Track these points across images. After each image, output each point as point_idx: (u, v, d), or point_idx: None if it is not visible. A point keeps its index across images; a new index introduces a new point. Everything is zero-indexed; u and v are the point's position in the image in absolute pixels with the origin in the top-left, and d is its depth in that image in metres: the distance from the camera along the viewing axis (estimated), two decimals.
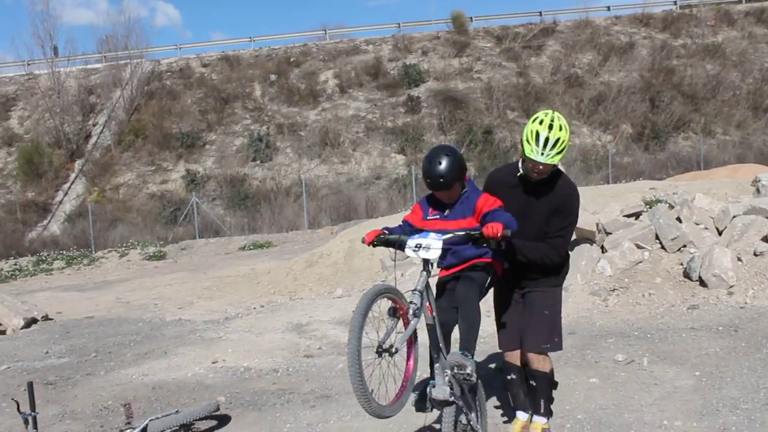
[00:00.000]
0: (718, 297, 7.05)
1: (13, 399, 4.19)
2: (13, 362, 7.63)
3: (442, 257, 3.83)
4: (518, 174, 3.93)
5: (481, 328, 4.03)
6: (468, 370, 3.47)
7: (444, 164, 3.61)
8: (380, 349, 3.11)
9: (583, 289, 7.88)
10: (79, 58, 36.83)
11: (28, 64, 36.29)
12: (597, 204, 10.13)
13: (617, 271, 8.01)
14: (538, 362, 4.00)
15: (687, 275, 7.59)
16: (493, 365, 5.63)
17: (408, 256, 3.51)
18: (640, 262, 8.03)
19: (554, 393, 4.84)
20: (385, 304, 3.32)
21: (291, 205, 26.21)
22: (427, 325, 3.51)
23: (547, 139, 3.67)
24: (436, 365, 3.49)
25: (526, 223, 3.82)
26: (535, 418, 4.07)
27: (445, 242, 3.44)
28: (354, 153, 30.44)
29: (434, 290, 3.77)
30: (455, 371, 3.49)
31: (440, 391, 3.45)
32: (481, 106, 30.45)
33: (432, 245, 3.39)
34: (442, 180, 3.63)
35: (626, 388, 4.85)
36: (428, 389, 3.49)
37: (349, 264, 11.77)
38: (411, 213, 3.94)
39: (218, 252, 20.86)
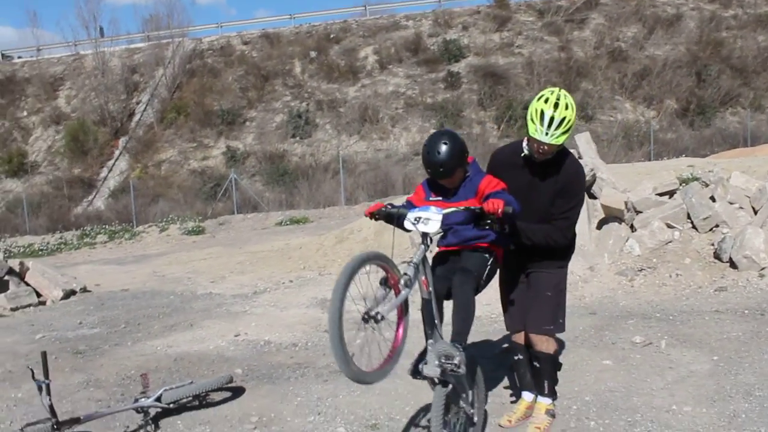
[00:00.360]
0: (748, 279, 6.85)
1: (28, 367, 4.33)
2: (48, 332, 7.91)
3: (443, 237, 3.81)
4: (522, 154, 3.82)
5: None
6: (456, 361, 3.38)
7: (443, 152, 3.52)
8: (366, 316, 3.07)
9: (610, 268, 7.74)
10: (123, 38, 37.65)
11: (75, 45, 37.14)
12: (630, 182, 9.89)
13: (646, 250, 7.84)
14: (542, 343, 3.93)
15: (717, 256, 7.39)
16: (502, 346, 5.59)
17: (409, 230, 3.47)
18: (670, 241, 7.85)
19: (564, 374, 4.81)
20: (376, 272, 3.28)
21: (329, 181, 26.35)
22: (422, 299, 3.47)
23: (552, 119, 3.54)
24: (429, 341, 3.46)
25: (531, 205, 3.73)
26: (540, 398, 4.04)
27: (445, 217, 3.39)
28: (393, 129, 30.36)
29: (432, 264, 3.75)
30: (443, 361, 3.39)
31: (431, 369, 3.40)
32: (521, 81, 29.96)
33: (432, 218, 3.35)
34: (442, 169, 3.56)
35: (639, 371, 4.76)
36: (420, 366, 3.45)
37: (379, 240, 11.77)
38: (414, 194, 3.88)
39: (255, 227, 21.14)
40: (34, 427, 4.15)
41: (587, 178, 8.70)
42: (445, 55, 32.20)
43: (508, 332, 4.28)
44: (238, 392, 5.13)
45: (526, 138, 3.78)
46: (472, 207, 3.43)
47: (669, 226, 7.95)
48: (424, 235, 3.38)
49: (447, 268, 3.69)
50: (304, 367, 5.70)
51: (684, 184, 8.83)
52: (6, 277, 9.99)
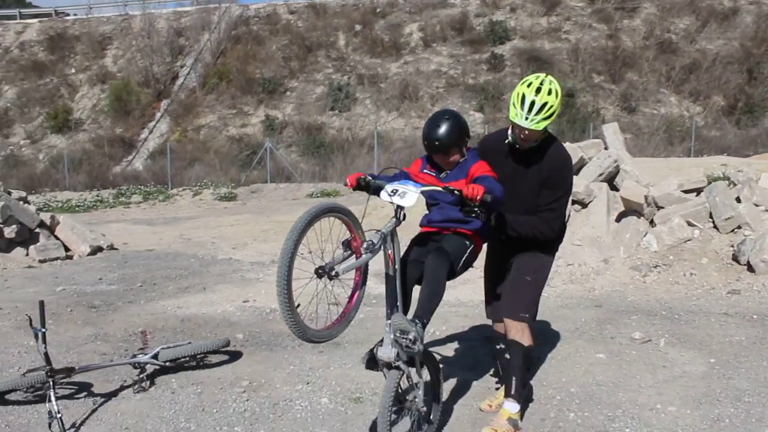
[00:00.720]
0: (764, 284, 6.68)
1: (26, 315, 4.49)
2: (69, 285, 8.18)
3: (427, 212, 3.82)
4: (506, 141, 3.77)
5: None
6: (410, 336, 3.26)
7: (443, 128, 3.55)
8: (320, 271, 3.03)
9: (624, 262, 7.64)
10: (171, 1, 38.23)
11: (125, 5, 37.72)
12: (659, 176, 9.70)
13: (663, 247, 7.71)
14: (516, 331, 3.79)
15: (736, 258, 7.23)
16: (484, 334, 5.56)
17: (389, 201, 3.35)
18: (689, 240, 7.70)
19: (554, 364, 4.82)
20: (340, 229, 3.25)
21: (364, 156, 26.40)
22: (386, 275, 3.41)
23: (533, 103, 3.49)
24: (387, 322, 3.37)
25: (516, 194, 3.68)
26: (505, 403, 3.80)
27: (423, 193, 3.38)
28: (432, 108, 30.12)
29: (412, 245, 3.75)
30: (397, 335, 3.29)
31: (385, 351, 3.33)
32: (566, 68, 29.44)
33: (409, 191, 3.30)
34: (437, 143, 3.56)
35: (631, 368, 4.71)
36: (375, 347, 3.38)
37: None
38: (412, 165, 3.88)
39: (286, 197, 21.37)
40: (33, 373, 4.33)
41: (610, 169, 8.59)
42: (491, 37, 31.84)
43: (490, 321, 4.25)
44: (235, 356, 5.26)
45: (511, 125, 3.72)
46: (452, 188, 3.34)
47: (689, 224, 7.79)
48: (399, 208, 3.34)
49: (423, 252, 3.62)
50: None
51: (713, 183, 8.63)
52: (37, 230, 10.30)
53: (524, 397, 3.96)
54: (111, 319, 6.55)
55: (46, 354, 4.00)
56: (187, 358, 4.97)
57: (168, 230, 14.14)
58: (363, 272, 3.50)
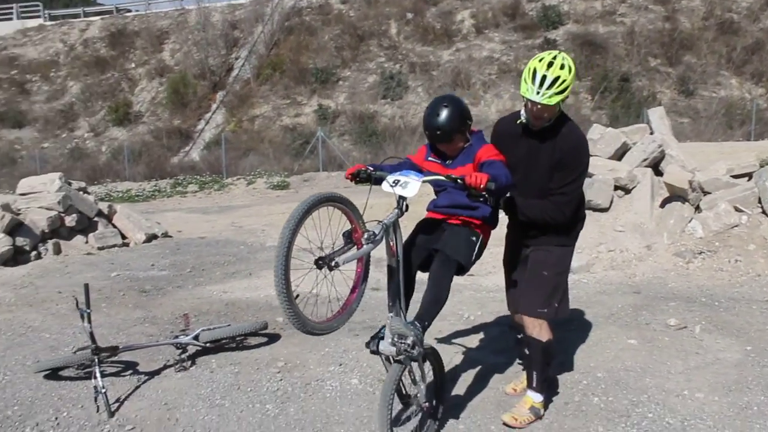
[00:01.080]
0: None
1: (73, 296, 4.78)
2: (123, 270, 8.56)
3: (434, 196, 3.81)
4: (519, 121, 3.71)
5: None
6: (409, 341, 3.26)
7: (443, 116, 3.46)
8: (320, 261, 3.00)
9: (668, 249, 7.52)
10: None
11: (181, 0, 38.67)
12: (706, 161, 9.47)
13: (709, 233, 7.54)
14: (534, 328, 3.75)
15: None
16: (507, 323, 5.58)
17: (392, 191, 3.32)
18: (736, 225, 7.51)
19: (584, 349, 4.84)
20: (339, 219, 3.23)
21: (415, 143, 26.39)
22: (388, 267, 3.41)
23: (544, 77, 3.43)
24: (390, 315, 3.40)
25: (529, 176, 3.65)
26: (528, 392, 3.86)
27: (427, 182, 3.35)
28: (485, 95, 29.93)
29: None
30: (396, 339, 3.30)
31: (386, 346, 3.35)
32: (621, 51, 28.72)
33: (411, 181, 3.27)
34: (439, 132, 3.49)
35: (662, 354, 4.68)
36: (377, 339, 3.41)
37: None
38: (417, 153, 3.84)
39: (338, 185, 21.57)
40: (82, 351, 4.62)
41: (655, 154, 8.44)
42: (543, 22, 31.29)
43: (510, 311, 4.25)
44: (273, 338, 5.45)
45: (524, 104, 3.66)
46: (454, 177, 3.30)
47: (737, 210, 7.60)
48: (401, 198, 3.31)
49: (428, 239, 3.60)
50: None
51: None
52: (95, 219, 10.77)
53: (548, 386, 4.00)
54: (159, 302, 6.85)
55: (91, 333, 4.26)
56: (227, 340, 5.19)
57: (221, 218, 14.55)
58: (365, 264, 3.49)
